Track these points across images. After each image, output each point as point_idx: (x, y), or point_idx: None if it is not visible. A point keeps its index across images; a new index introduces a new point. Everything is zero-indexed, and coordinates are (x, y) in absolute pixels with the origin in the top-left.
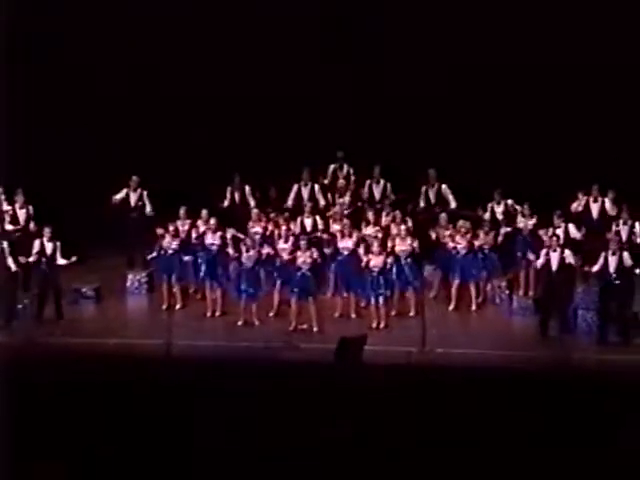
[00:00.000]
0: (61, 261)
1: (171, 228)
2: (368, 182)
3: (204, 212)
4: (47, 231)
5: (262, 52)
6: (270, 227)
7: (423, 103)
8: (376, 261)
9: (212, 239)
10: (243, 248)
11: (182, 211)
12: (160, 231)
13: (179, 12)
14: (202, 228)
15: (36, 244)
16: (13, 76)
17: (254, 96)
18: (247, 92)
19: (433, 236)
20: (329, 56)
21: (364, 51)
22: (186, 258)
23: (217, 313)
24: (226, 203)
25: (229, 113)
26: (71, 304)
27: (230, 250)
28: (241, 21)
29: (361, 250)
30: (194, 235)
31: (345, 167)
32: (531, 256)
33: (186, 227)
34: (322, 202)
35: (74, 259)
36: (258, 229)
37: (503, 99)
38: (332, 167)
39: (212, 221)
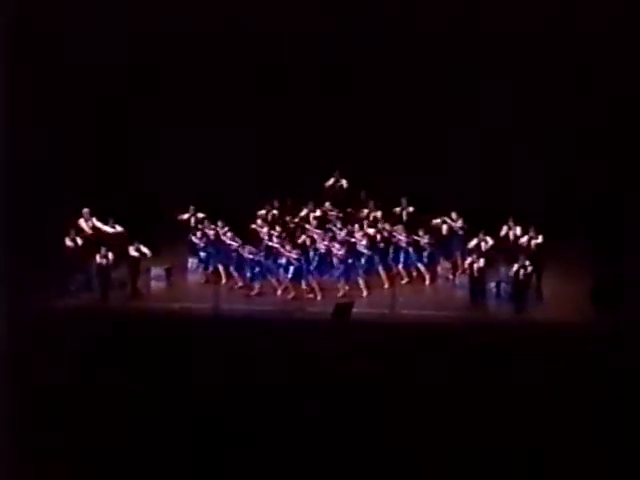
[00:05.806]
0: (143, 251)
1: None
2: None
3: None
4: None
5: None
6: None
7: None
8: (365, 248)
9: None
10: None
11: (220, 223)
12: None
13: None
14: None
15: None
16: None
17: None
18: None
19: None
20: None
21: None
22: (237, 248)
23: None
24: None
25: (258, 150)
26: (149, 280)
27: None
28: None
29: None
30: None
31: (340, 182)
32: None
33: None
34: (319, 213)
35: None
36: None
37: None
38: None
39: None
